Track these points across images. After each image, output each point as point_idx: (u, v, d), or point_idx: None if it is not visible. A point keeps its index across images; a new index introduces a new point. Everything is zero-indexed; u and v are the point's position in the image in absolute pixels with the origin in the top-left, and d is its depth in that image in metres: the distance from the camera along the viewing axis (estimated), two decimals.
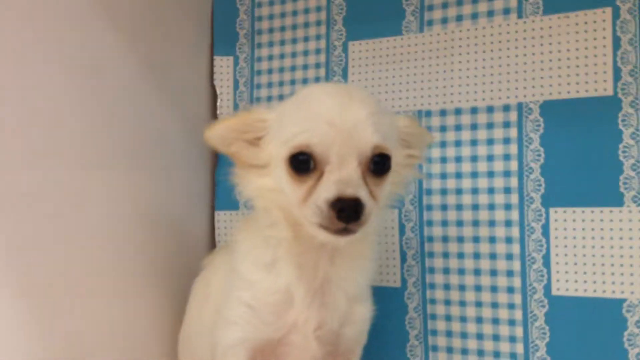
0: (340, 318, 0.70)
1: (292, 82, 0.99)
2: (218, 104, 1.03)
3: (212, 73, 1.03)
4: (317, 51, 0.97)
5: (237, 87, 1.02)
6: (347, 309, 0.70)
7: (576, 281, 0.78)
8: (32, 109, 0.69)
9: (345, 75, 0.94)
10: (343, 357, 0.72)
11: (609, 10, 0.78)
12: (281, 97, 0.99)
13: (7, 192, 0.66)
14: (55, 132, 0.72)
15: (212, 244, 1.02)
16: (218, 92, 1.03)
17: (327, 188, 0.60)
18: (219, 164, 1.02)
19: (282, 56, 1.00)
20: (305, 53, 0.98)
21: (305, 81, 0.98)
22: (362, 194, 0.60)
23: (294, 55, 0.99)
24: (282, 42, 0.99)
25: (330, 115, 0.61)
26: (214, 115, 1.03)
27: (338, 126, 0.60)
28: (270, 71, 1.01)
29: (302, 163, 0.62)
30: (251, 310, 0.70)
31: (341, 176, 0.61)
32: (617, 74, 0.77)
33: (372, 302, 0.73)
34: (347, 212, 0.59)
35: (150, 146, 0.87)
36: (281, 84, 1.00)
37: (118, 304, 0.80)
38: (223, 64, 1.03)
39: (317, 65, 0.97)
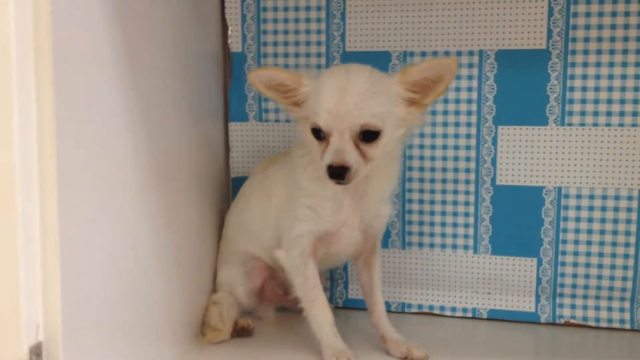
0: (373, 215, 1.01)
1: (296, 21, 1.22)
2: (229, 33, 1.24)
3: (223, 8, 1.24)
4: None
5: (245, 20, 1.23)
6: (376, 209, 1.01)
7: (513, 175, 1.15)
8: None
9: (343, 18, 1.19)
10: (372, 240, 1.05)
11: None
12: (286, 32, 1.22)
13: None
14: None
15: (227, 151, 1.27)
16: (229, 24, 1.24)
17: (327, 155, 0.89)
18: (232, 82, 1.25)
19: None
20: None
21: (307, 21, 1.22)
22: (350, 159, 0.87)
23: None
24: None
25: (330, 105, 0.89)
26: (225, 43, 1.25)
27: (335, 114, 0.88)
28: (275, 8, 1.22)
29: (317, 133, 0.92)
30: (313, 212, 0.98)
31: (337, 147, 0.88)
32: (549, 33, 1.11)
33: (392, 204, 1.05)
34: (335, 174, 0.88)
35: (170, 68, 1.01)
36: (285, 20, 1.22)
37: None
38: (232, 0, 1.23)
39: (318, 8, 1.21)
